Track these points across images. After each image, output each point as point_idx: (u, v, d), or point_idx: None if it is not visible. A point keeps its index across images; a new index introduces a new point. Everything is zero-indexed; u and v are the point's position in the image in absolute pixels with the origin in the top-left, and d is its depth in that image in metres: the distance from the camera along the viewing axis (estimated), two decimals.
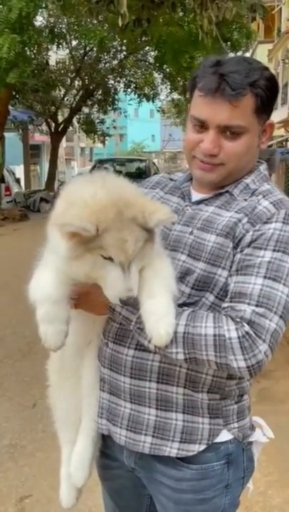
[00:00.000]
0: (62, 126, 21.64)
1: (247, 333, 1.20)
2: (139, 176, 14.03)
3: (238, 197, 1.38)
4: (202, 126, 1.36)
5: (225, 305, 1.28)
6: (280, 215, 1.30)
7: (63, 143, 26.62)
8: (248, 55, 29.60)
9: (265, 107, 1.35)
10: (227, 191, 1.40)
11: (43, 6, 13.48)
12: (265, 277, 1.24)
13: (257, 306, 1.22)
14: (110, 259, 1.20)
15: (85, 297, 1.32)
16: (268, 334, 1.21)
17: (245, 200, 1.36)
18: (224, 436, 1.39)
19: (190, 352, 1.23)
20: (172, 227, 1.43)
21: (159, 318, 1.23)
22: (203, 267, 1.33)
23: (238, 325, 1.21)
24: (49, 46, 17.54)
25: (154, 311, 1.24)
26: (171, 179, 1.56)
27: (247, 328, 1.20)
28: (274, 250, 1.26)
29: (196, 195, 1.46)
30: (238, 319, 1.22)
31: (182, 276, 1.35)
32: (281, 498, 2.91)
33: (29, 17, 11.86)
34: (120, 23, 4.34)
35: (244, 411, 1.45)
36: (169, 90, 21.01)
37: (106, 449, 1.53)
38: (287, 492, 2.97)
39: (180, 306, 1.32)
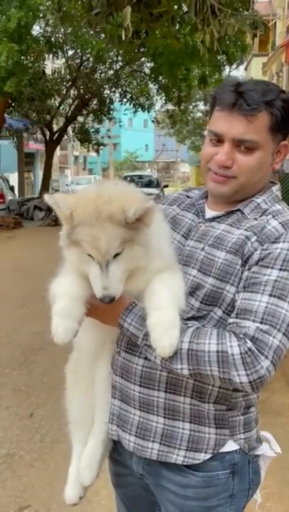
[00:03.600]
0: (57, 134, 21.67)
1: (249, 349, 1.24)
2: (149, 183, 23.43)
3: (248, 215, 1.43)
4: (218, 140, 1.41)
5: (230, 321, 1.32)
6: (288, 235, 1.34)
7: (57, 151, 26.65)
8: (242, 67, 29.90)
9: (280, 126, 1.40)
10: (239, 210, 1.45)
11: (42, 16, 13.58)
12: (270, 295, 1.29)
13: (261, 323, 1.27)
14: (91, 256, 1.26)
15: (95, 310, 1.36)
16: (270, 351, 1.25)
17: (256, 219, 1.41)
18: (230, 446, 1.43)
19: (194, 368, 1.27)
20: (186, 242, 1.48)
21: (164, 330, 1.27)
22: (213, 283, 1.37)
23: (240, 341, 1.25)
24: (46, 55, 17.60)
25: (160, 322, 1.28)
26: (188, 196, 1.62)
27: (250, 344, 1.24)
28: (280, 269, 1.30)
29: (209, 213, 1.51)
30: (241, 335, 1.26)
31: (192, 291, 1.39)
32: (280, 510, 2.92)
33: (28, 27, 11.95)
34: (123, 36, 4.37)
35: (251, 423, 1.48)
36: (163, 101, 21.13)
37: (118, 455, 1.57)
38: (285, 504, 2.99)
39: (190, 319, 1.37)
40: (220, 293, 1.37)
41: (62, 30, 16.05)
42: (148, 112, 21.59)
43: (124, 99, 20.91)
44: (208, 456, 1.40)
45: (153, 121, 25.19)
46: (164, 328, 1.27)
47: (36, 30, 15.85)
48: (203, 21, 3.97)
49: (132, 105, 20.94)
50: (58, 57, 18.02)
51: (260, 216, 1.41)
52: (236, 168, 1.40)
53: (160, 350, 1.27)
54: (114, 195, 1.28)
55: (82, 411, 1.55)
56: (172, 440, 1.41)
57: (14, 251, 11.37)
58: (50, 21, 15.33)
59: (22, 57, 12.88)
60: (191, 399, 1.39)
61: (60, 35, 16.97)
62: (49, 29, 16.75)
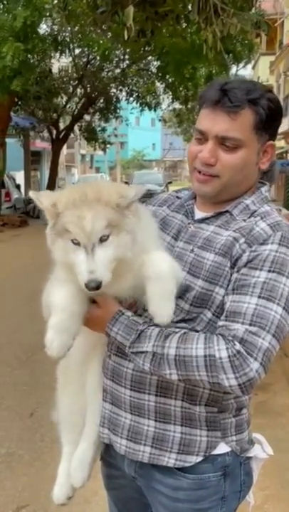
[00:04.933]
0: (63, 133, 21.71)
1: (238, 351, 1.23)
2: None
3: (237, 217, 1.42)
4: (203, 138, 1.41)
5: (220, 323, 1.31)
6: (276, 237, 1.33)
7: (64, 150, 26.67)
8: (249, 66, 29.79)
9: (265, 125, 1.39)
10: (227, 211, 1.44)
11: (48, 14, 13.59)
12: (259, 297, 1.28)
13: (250, 325, 1.26)
14: (77, 243, 1.25)
15: (84, 319, 1.37)
16: (260, 352, 1.24)
17: (244, 220, 1.40)
18: (222, 448, 1.42)
19: (183, 373, 1.27)
20: (176, 244, 1.48)
21: (164, 300, 1.32)
22: (202, 285, 1.37)
23: (228, 344, 1.24)
24: (52, 54, 17.64)
25: (159, 292, 1.32)
26: (177, 197, 1.61)
27: (238, 346, 1.24)
28: (269, 271, 1.30)
29: (198, 214, 1.50)
30: (230, 338, 1.25)
31: (182, 293, 1.38)
32: None
33: (34, 26, 11.97)
34: (126, 36, 4.37)
35: (242, 425, 1.47)
36: (170, 100, 21.11)
37: (110, 458, 1.57)
38: (283, 506, 2.97)
39: (179, 322, 1.37)
40: (209, 295, 1.36)
41: (68, 28, 16.06)
42: (154, 110, 21.58)
43: (131, 98, 20.90)
44: (200, 458, 1.39)
45: (160, 120, 25.18)
46: (163, 298, 1.31)
47: (43, 28, 15.90)
48: (206, 20, 3.96)
49: (138, 104, 20.92)
50: (65, 56, 18.04)
51: (249, 217, 1.40)
52: (219, 167, 1.40)
53: (159, 319, 1.30)
54: (104, 185, 1.33)
55: (72, 412, 1.55)
56: (163, 443, 1.40)
57: (19, 249, 11.41)
58: (57, 20, 15.33)
59: (28, 56, 12.92)
60: (182, 402, 1.39)
61: (67, 34, 16.98)
62: (56, 28, 16.79)
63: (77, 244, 1.26)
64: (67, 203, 1.27)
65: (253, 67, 32.13)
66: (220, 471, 1.42)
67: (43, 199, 1.30)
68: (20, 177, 23.07)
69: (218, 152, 1.39)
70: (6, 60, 11.21)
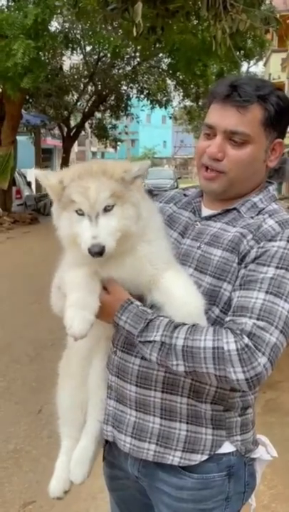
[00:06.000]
0: (74, 130, 21.74)
1: (246, 345, 1.21)
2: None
3: (245, 214, 1.41)
4: (211, 133, 1.41)
5: (227, 319, 1.30)
6: (284, 233, 1.33)
7: (75, 147, 26.74)
8: (261, 63, 29.63)
9: (273, 122, 1.39)
10: (235, 208, 1.43)
11: (59, 12, 13.59)
12: (267, 292, 1.27)
13: (258, 319, 1.24)
14: (81, 213, 1.27)
15: None
16: (267, 347, 1.22)
17: (252, 218, 1.40)
18: (226, 447, 1.41)
19: (190, 365, 1.25)
20: (182, 241, 1.47)
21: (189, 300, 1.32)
22: (210, 281, 1.36)
23: (237, 337, 1.23)
24: (63, 51, 17.65)
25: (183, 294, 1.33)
26: (185, 194, 1.61)
27: (246, 340, 1.22)
28: (277, 267, 1.29)
29: (205, 211, 1.50)
30: (238, 331, 1.24)
31: None
32: (285, 511, 2.89)
33: (45, 23, 11.97)
34: (134, 32, 4.36)
35: (248, 424, 1.46)
36: (181, 97, 21.06)
37: (113, 458, 1.55)
38: None
39: None
40: (217, 291, 1.35)
41: (80, 26, 16.07)
42: (165, 108, 21.54)
43: (142, 95, 20.87)
44: (205, 457, 1.38)
45: (170, 118, 25.12)
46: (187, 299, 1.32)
47: (54, 26, 15.92)
48: (216, 17, 3.94)
49: (149, 101, 20.90)
50: (76, 53, 18.06)
51: (257, 215, 1.40)
52: (226, 162, 1.39)
53: (186, 316, 1.30)
54: (109, 162, 1.36)
55: (72, 406, 1.55)
56: (169, 441, 1.39)
57: (30, 246, 11.45)
58: (68, 17, 15.34)
59: (39, 54, 12.93)
60: (188, 399, 1.37)
61: (78, 32, 16.99)
62: (67, 25, 16.80)
63: (82, 214, 1.27)
64: (73, 176, 1.29)
65: (265, 64, 31.92)
66: (224, 471, 1.41)
67: (50, 177, 1.32)
68: (31, 174, 23.11)
69: (226, 147, 1.39)
70: (16, 57, 11.22)
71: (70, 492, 2.98)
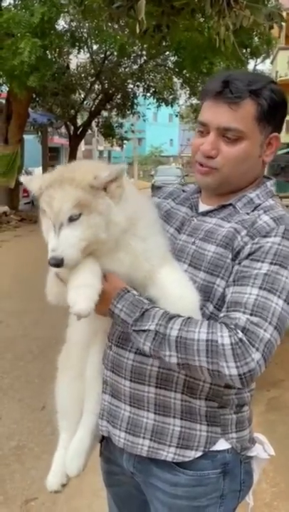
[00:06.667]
0: (81, 129, 21.75)
1: (240, 340, 1.20)
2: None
3: (240, 210, 1.40)
4: (205, 130, 1.40)
5: (221, 314, 1.29)
6: (279, 229, 1.31)
7: (82, 146, 26.77)
8: (268, 61, 29.50)
9: (268, 117, 1.37)
10: (231, 204, 1.42)
11: (65, 10, 13.59)
12: (260, 288, 1.25)
13: (251, 315, 1.23)
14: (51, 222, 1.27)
15: None
16: (261, 343, 1.21)
17: (247, 213, 1.39)
18: (221, 445, 1.40)
19: (182, 357, 1.23)
20: (178, 236, 1.47)
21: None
22: (203, 277, 1.36)
23: (231, 332, 1.21)
24: (70, 50, 17.66)
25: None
26: (183, 190, 1.61)
27: (241, 335, 1.21)
28: (271, 263, 1.27)
29: (202, 207, 1.49)
30: (232, 326, 1.23)
31: None
32: (287, 509, 2.88)
33: (51, 22, 11.97)
34: (138, 30, 4.34)
35: (244, 422, 1.45)
36: (188, 95, 21.01)
37: (109, 453, 1.55)
38: None
39: None
40: (210, 287, 1.34)
41: (86, 24, 16.07)
42: (171, 106, 21.51)
43: (148, 94, 20.85)
44: (199, 453, 1.38)
45: (177, 116, 25.09)
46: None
47: (61, 25, 15.92)
48: (219, 13, 3.92)
49: (155, 100, 20.87)
50: (83, 52, 18.06)
51: (252, 211, 1.39)
52: (220, 159, 1.38)
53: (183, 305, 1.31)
54: (82, 165, 1.34)
55: (70, 400, 1.55)
56: (163, 437, 1.39)
57: (36, 245, 11.46)
58: (74, 16, 15.34)
59: (46, 52, 12.94)
60: (182, 394, 1.37)
61: (85, 30, 16.99)
62: (74, 24, 16.80)
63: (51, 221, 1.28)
64: (47, 183, 1.29)
65: (272, 62, 31.78)
66: (219, 469, 1.40)
67: (32, 183, 1.33)
68: (38, 173, 23.16)
69: (220, 144, 1.38)
70: (23, 55, 11.22)
71: (72, 488, 3.00)
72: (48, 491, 1.60)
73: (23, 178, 1.36)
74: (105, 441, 1.55)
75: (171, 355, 1.24)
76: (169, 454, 1.38)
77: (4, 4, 13.38)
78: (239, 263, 1.31)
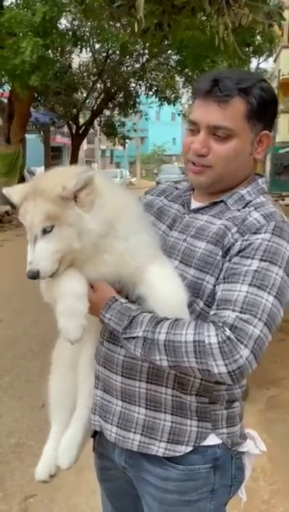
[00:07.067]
0: (83, 128, 21.77)
1: (228, 338, 1.21)
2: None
3: (231, 207, 1.41)
4: (195, 129, 1.41)
5: (211, 312, 1.30)
6: (269, 226, 1.32)
7: (84, 145, 26.81)
8: (271, 59, 29.45)
9: (258, 115, 1.38)
10: (222, 201, 1.43)
11: (67, 9, 13.59)
12: (250, 285, 1.26)
13: (241, 312, 1.24)
14: None
15: None
16: (250, 340, 1.21)
17: (238, 210, 1.39)
18: (212, 440, 1.41)
19: (172, 359, 1.25)
20: (170, 233, 1.48)
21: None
22: (193, 273, 1.37)
23: (218, 330, 1.22)
24: (72, 49, 17.67)
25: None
26: (176, 188, 1.62)
27: (228, 332, 1.21)
28: (261, 260, 1.28)
29: (194, 204, 1.50)
30: (220, 324, 1.23)
31: None
32: (284, 507, 2.88)
33: (53, 21, 11.97)
34: (136, 29, 4.34)
35: (234, 418, 1.46)
36: (190, 94, 20.97)
37: (102, 448, 1.57)
38: None
39: None
40: (200, 283, 1.35)
41: (88, 24, 16.06)
42: (173, 105, 21.49)
43: (150, 93, 20.84)
44: (190, 448, 1.39)
45: (179, 115, 25.08)
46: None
47: (63, 24, 15.91)
48: (218, 11, 3.92)
49: (157, 98, 20.85)
50: (85, 51, 18.05)
51: (243, 208, 1.39)
52: (212, 157, 1.39)
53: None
54: (54, 175, 1.35)
55: (62, 392, 1.58)
56: (153, 431, 1.40)
57: None
58: (76, 15, 15.34)
59: (48, 51, 12.95)
60: (173, 390, 1.38)
61: (87, 29, 16.99)
62: (76, 23, 16.80)
63: None
64: (23, 196, 1.32)
65: (275, 61, 31.73)
66: (210, 463, 1.41)
67: (13, 196, 1.35)
68: (41, 172, 23.13)
69: (210, 142, 1.38)
70: (25, 55, 11.24)
71: (70, 486, 3.01)
72: (36, 480, 1.62)
73: (4, 190, 1.37)
74: (98, 436, 1.56)
75: (162, 358, 1.26)
76: (159, 448, 1.39)
77: (6, 3, 13.40)
78: (229, 260, 1.32)
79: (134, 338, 1.30)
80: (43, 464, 1.59)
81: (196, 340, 1.22)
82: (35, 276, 1.27)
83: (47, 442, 1.63)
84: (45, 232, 1.28)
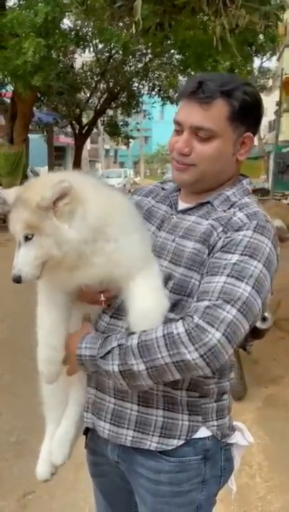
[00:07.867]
0: (86, 128, 21.79)
1: (196, 325, 1.25)
2: None
3: (218, 208, 1.45)
4: (180, 129, 1.45)
5: (191, 305, 1.33)
6: (251, 224, 1.36)
7: (88, 145, 26.85)
8: (274, 58, 29.40)
9: (240, 117, 1.41)
10: (208, 202, 1.47)
11: (69, 10, 13.62)
12: (228, 276, 1.30)
13: (217, 299, 1.27)
14: None
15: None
16: (222, 324, 1.25)
17: (224, 211, 1.43)
18: (202, 432, 1.45)
19: (148, 360, 1.28)
20: (159, 234, 1.51)
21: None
22: (181, 271, 1.40)
23: (186, 320, 1.26)
24: (75, 49, 17.69)
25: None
26: (163, 188, 1.65)
27: (196, 320, 1.25)
28: (241, 254, 1.32)
29: (182, 205, 1.54)
30: (190, 313, 1.28)
31: (165, 282, 1.42)
32: (280, 503, 2.91)
33: (55, 21, 12.00)
34: (134, 30, 4.38)
35: (224, 410, 1.50)
36: None
37: (94, 445, 1.61)
38: (286, 497, 2.97)
39: None
40: (188, 281, 1.39)
41: (91, 24, 16.09)
42: (176, 104, 21.47)
43: (153, 92, 20.85)
44: (181, 442, 1.43)
45: None
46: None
47: (66, 24, 15.95)
48: (216, 13, 3.94)
49: (160, 98, 20.87)
50: (88, 51, 18.07)
51: (229, 208, 1.44)
52: (194, 156, 1.43)
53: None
54: (37, 183, 1.38)
55: (55, 391, 1.60)
56: (146, 427, 1.44)
57: None
58: (79, 15, 15.35)
59: (51, 52, 12.97)
60: (164, 386, 1.41)
61: (89, 29, 17.02)
62: (79, 23, 16.82)
63: None
64: (15, 200, 1.35)
65: (278, 60, 31.69)
66: (200, 455, 1.45)
67: (8, 199, 1.37)
68: (44, 173, 23.15)
69: (193, 142, 1.42)
70: (27, 55, 11.28)
71: (68, 483, 3.03)
72: (38, 480, 1.65)
73: (1, 192, 1.43)
74: (90, 433, 1.60)
75: (138, 362, 1.29)
76: (152, 443, 1.43)
77: (9, 4, 13.45)
78: (212, 256, 1.36)
79: (109, 352, 1.33)
80: (43, 464, 1.63)
81: (165, 334, 1.27)
82: (18, 280, 1.31)
83: (44, 441, 1.66)
84: (27, 239, 1.31)
